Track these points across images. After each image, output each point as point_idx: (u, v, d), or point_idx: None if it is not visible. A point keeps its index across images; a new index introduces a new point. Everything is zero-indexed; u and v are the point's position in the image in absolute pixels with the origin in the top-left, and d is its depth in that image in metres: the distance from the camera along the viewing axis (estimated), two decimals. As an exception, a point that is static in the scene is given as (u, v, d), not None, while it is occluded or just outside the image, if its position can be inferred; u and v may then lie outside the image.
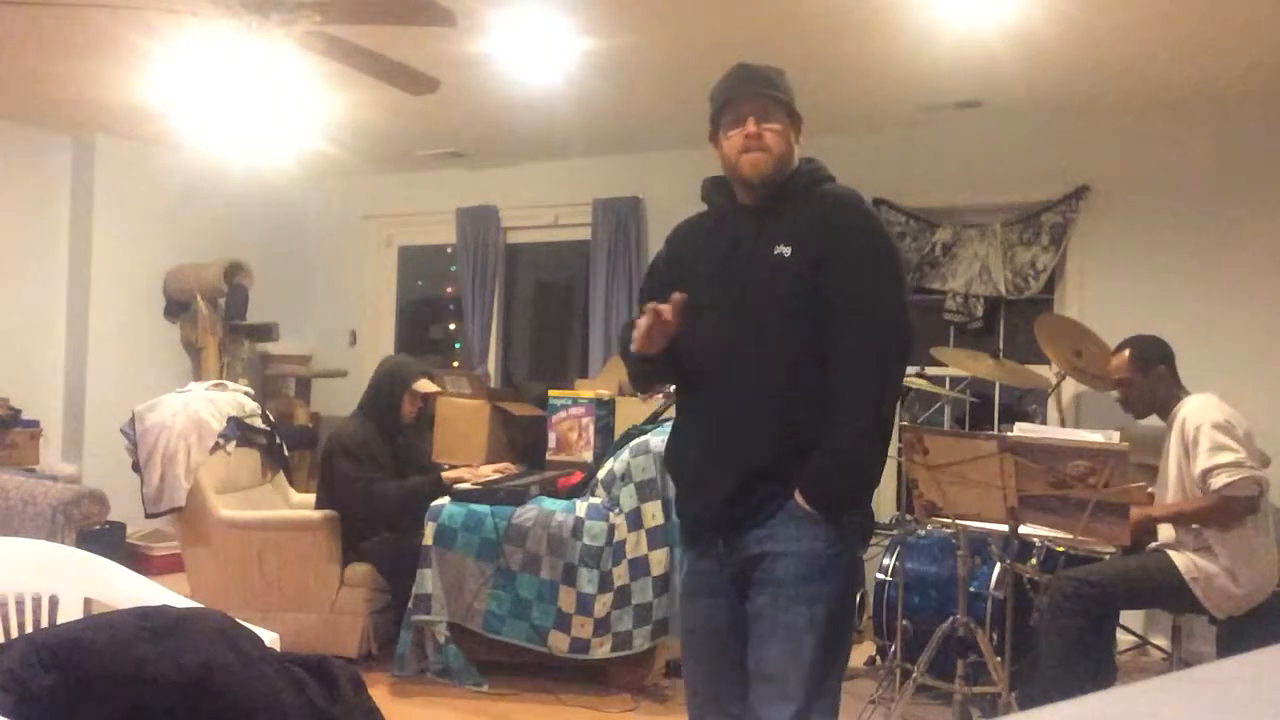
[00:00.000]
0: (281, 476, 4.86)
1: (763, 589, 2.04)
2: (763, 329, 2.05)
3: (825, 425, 2.00)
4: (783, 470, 2.03)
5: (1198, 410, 3.35)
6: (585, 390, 4.92)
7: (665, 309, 2.00)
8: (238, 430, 4.52)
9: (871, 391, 2.02)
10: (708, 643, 2.16)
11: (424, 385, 4.41)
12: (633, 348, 2.08)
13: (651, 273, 2.36)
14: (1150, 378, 3.50)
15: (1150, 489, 3.57)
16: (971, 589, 3.50)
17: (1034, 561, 3.76)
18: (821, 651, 2.00)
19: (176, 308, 6.27)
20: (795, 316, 2.03)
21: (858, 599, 4.39)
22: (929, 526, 4.07)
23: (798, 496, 2.02)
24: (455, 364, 6.88)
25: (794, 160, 2.14)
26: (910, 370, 4.80)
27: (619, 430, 4.61)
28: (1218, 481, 3.22)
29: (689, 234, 2.28)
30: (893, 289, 2.07)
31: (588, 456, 4.61)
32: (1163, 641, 4.26)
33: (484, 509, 3.98)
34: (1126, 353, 3.56)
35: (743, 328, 2.06)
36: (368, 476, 4.15)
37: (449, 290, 6.94)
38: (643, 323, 2.03)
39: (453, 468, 4.56)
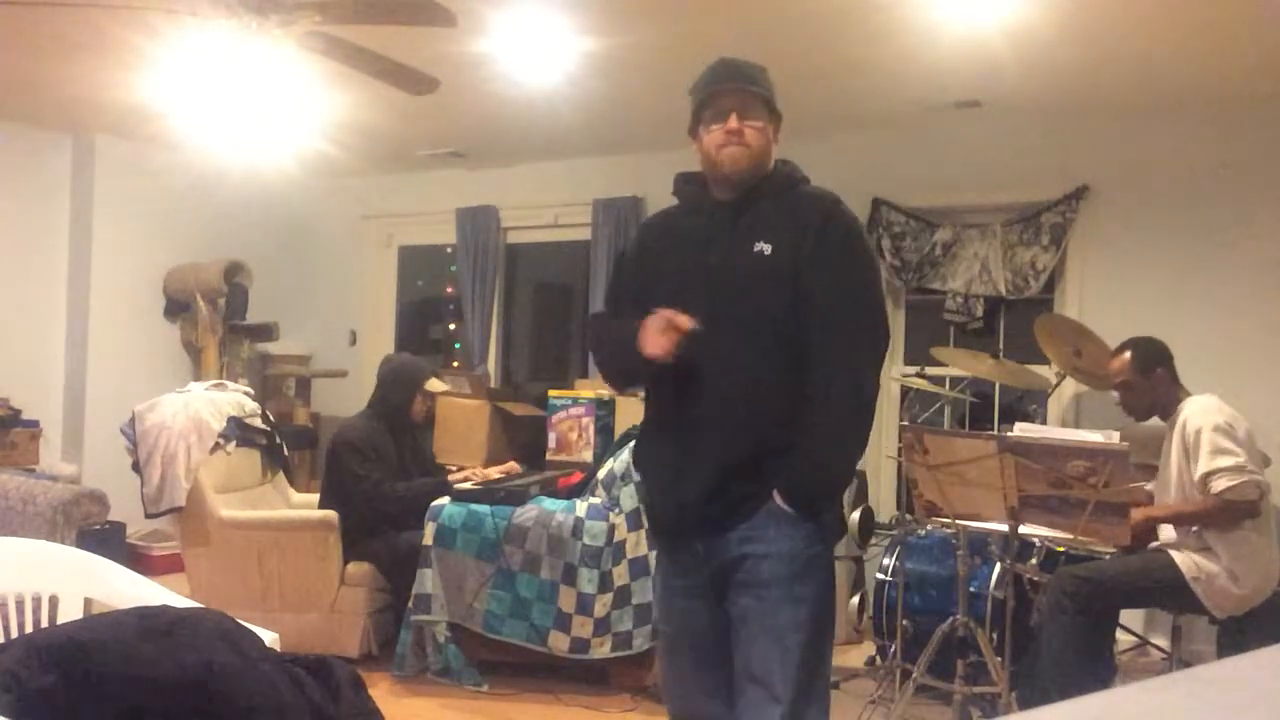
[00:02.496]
0: (281, 476, 4.86)
1: (745, 591, 2.03)
2: (741, 327, 2.03)
3: (803, 425, 1.99)
4: (760, 469, 2.02)
5: (1199, 412, 3.34)
6: (585, 390, 4.92)
7: (685, 321, 1.97)
8: (238, 430, 4.52)
9: (849, 391, 2.01)
10: (687, 645, 2.14)
11: (435, 385, 4.44)
12: (647, 351, 2.00)
13: (620, 267, 2.33)
14: (1151, 380, 3.50)
15: (1149, 486, 3.57)
16: (971, 589, 3.50)
17: (1034, 561, 3.76)
18: (809, 652, 2.00)
19: (176, 308, 6.27)
20: (774, 314, 2.02)
21: (857, 599, 4.43)
22: (929, 526, 4.07)
23: (776, 496, 2.01)
24: (455, 364, 6.88)
25: (772, 159, 2.13)
26: (910, 370, 4.81)
27: (619, 430, 4.62)
28: (1218, 485, 3.21)
29: (661, 229, 2.25)
30: (871, 290, 2.09)
31: (588, 456, 4.62)
32: (1163, 641, 4.26)
33: (484, 509, 3.98)
34: (1127, 355, 3.54)
35: (720, 325, 2.02)
36: (376, 477, 4.15)
37: (449, 290, 6.94)
38: (657, 325, 1.98)
39: (459, 469, 4.58)
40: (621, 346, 2.10)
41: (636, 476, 3.88)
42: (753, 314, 2.03)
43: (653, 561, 3.84)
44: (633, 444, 3.99)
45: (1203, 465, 3.26)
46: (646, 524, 2.22)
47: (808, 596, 2.01)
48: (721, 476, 2.02)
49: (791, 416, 2.00)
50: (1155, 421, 3.61)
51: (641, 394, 4.18)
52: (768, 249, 2.02)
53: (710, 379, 2.03)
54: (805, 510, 2.01)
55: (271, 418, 4.90)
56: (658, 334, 1.98)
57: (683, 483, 2.06)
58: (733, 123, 2.05)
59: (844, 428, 2.02)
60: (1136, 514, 3.28)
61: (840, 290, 2.02)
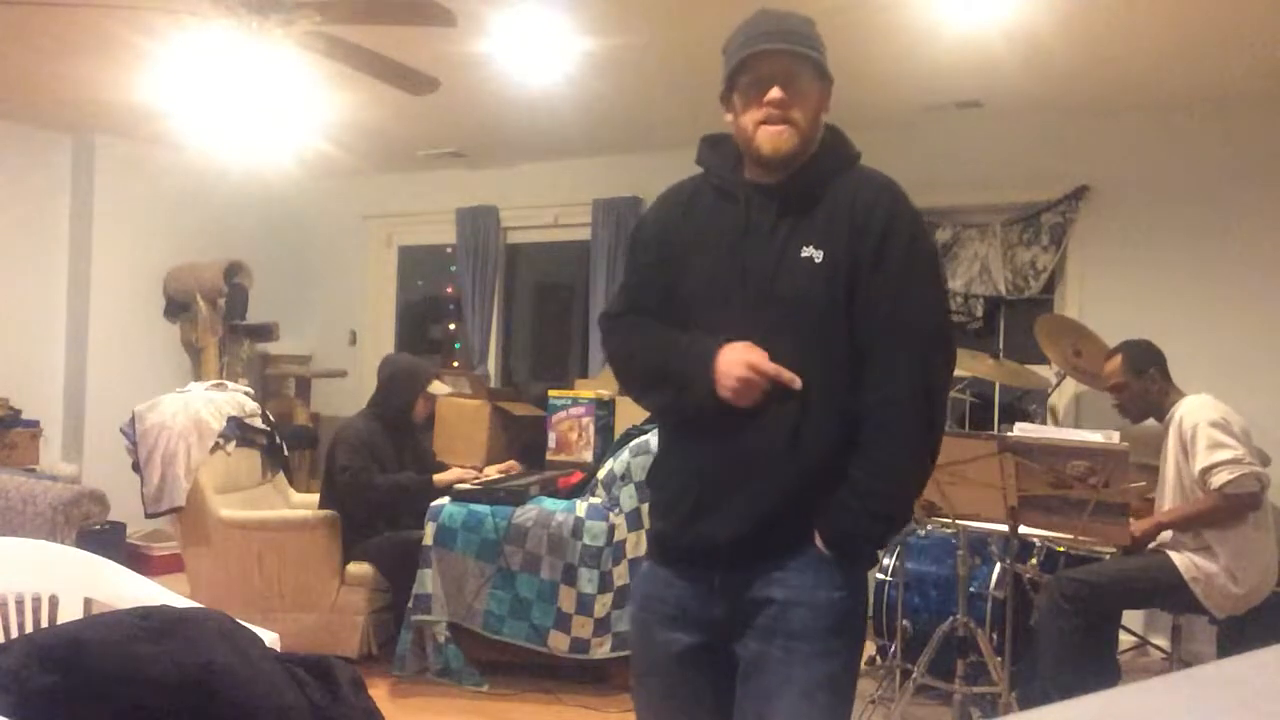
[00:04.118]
0: (281, 476, 4.86)
1: (769, 637, 1.73)
2: (785, 343, 1.69)
3: (858, 459, 1.70)
4: (805, 506, 1.72)
5: (1194, 410, 3.36)
6: (585, 390, 4.92)
7: (792, 380, 1.67)
8: (238, 430, 4.52)
9: (916, 421, 1.71)
10: (672, 683, 1.84)
11: (438, 387, 4.44)
12: (725, 394, 1.69)
13: (636, 254, 1.94)
14: (1143, 381, 3.51)
15: (1151, 494, 3.58)
16: (971, 589, 3.50)
17: (1034, 561, 3.77)
18: (835, 707, 1.75)
19: (176, 308, 6.27)
20: (824, 329, 1.71)
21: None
22: (929, 526, 4.07)
23: (819, 541, 1.72)
24: (455, 364, 6.88)
25: (819, 134, 1.79)
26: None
27: (619, 430, 4.61)
28: (1218, 479, 3.22)
29: (685, 209, 1.86)
30: (940, 303, 1.81)
31: (588, 456, 4.62)
32: (1163, 641, 4.26)
33: (484, 509, 3.98)
34: (1118, 358, 3.57)
35: (760, 337, 1.70)
36: (357, 466, 4.15)
37: (449, 290, 6.94)
38: (746, 370, 1.67)
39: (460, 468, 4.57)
40: (676, 371, 1.78)
41: (637, 477, 3.88)
42: (799, 328, 1.71)
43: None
44: (633, 443, 4.01)
45: (1200, 460, 3.26)
46: (652, 544, 1.91)
47: (841, 650, 1.75)
48: (757, 518, 1.72)
49: (841, 450, 1.71)
50: (1154, 421, 3.62)
51: None
52: (818, 255, 1.71)
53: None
54: (848, 558, 1.74)
55: (271, 418, 4.89)
56: (744, 378, 1.67)
57: (708, 518, 1.75)
58: (775, 93, 1.70)
59: (907, 463, 1.73)
60: (1142, 523, 3.29)
61: (906, 304, 1.71)
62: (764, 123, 1.72)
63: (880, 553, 4.11)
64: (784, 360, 1.69)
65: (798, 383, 1.68)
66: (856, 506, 1.70)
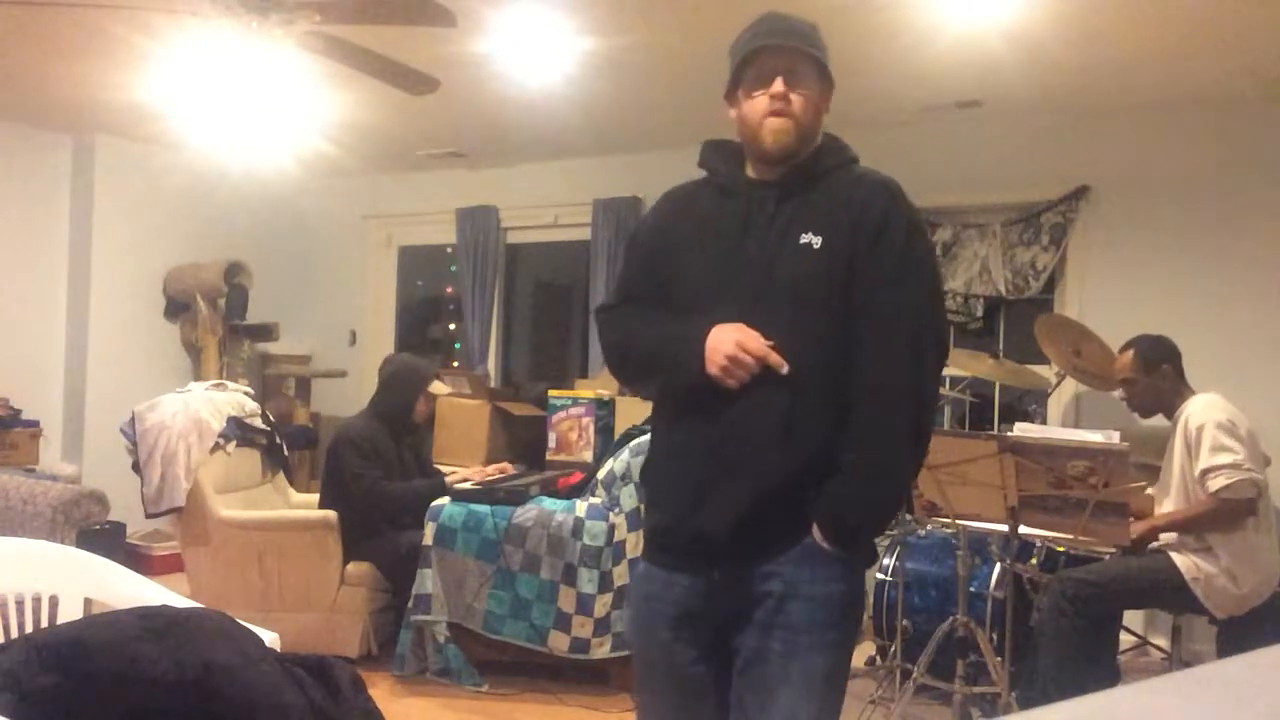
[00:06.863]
0: (281, 476, 4.86)
1: (768, 631, 1.74)
2: (783, 328, 1.70)
3: (852, 446, 1.70)
4: (800, 495, 1.72)
5: (1201, 410, 3.35)
6: (585, 390, 4.92)
7: (779, 361, 1.69)
8: (238, 430, 4.52)
9: (908, 409, 1.72)
10: (673, 677, 1.85)
11: (438, 388, 4.46)
12: (714, 374, 1.70)
13: (634, 251, 1.98)
14: (1154, 377, 3.51)
15: (1150, 489, 3.57)
16: (971, 589, 3.50)
17: (1034, 561, 3.77)
18: (831, 698, 1.77)
19: (176, 308, 6.27)
20: (821, 315, 1.72)
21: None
22: (929, 526, 4.07)
23: (815, 533, 1.72)
24: (455, 364, 6.88)
25: (820, 133, 1.83)
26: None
27: (619, 430, 4.62)
28: (1215, 484, 3.22)
29: (685, 206, 1.90)
30: (935, 295, 1.82)
31: (588, 456, 4.62)
32: (1163, 641, 4.26)
33: (484, 509, 3.98)
34: (1132, 352, 3.56)
35: (758, 324, 1.71)
36: (374, 474, 4.16)
37: (449, 290, 6.94)
38: (734, 349, 1.68)
39: (454, 470, 4.58)
40: (668, 352, 1.80)
41: (637, 477, 3.88)
42: (796, 316, 1.72)
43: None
44: (633, 443, 4.01)
45: (1203, 461, 3.26)
46: (649, 542, 1.91)
47: (839, 641, 1.77)
48: (756, 505, 1.71)
49: (833, 437, 1.71)
50: (1156, 421, 3.62)
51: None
52: (817, 242, 1.73)
53: (744, 390, 1.70)
54: (845, 548, 1.73)
55: (271, 418, 4.89)
56: (733, 355, 1.68)
57: (707, 509, 1.75)
58: (778, 87, 1.75)
59: (900, 452, 1.74)
60: (1139, 526, 3.29)
61: (901, 293, 1.73)
62: (766, 115, 1.76)
63: (879, 548, 4.12)
64: (783, 344, 1.70)
65: (785, 367, 1.69)
66: (852, 495, 1.71)
